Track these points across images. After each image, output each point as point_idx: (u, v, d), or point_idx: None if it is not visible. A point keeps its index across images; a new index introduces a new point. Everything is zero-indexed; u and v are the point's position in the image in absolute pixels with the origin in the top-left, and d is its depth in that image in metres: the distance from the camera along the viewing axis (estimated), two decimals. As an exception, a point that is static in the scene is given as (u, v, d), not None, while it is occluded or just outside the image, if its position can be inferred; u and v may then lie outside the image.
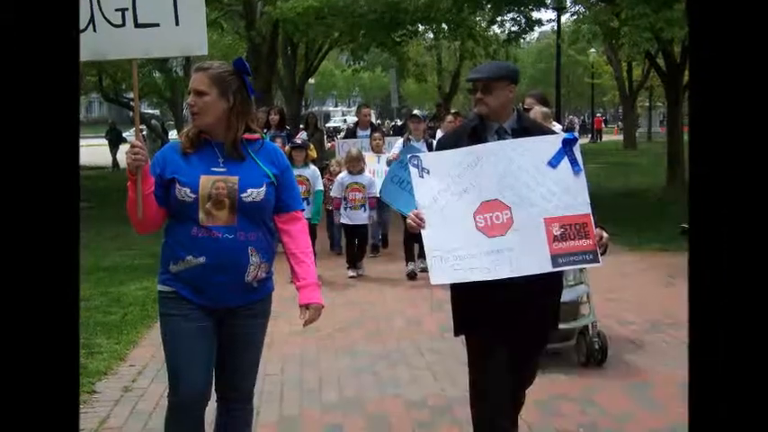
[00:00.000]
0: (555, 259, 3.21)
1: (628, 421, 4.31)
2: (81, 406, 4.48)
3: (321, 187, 8.32)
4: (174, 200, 2.99)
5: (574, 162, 3.28)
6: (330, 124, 49.86)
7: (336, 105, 72.72)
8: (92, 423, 4.36)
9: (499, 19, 19.40)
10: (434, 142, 7.62)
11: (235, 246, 2.96)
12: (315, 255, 3.31)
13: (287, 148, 8.47)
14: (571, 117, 51.55)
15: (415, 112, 12.79)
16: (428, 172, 3.32)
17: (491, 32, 21.30)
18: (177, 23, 3.31)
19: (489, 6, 17.50)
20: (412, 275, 8.32)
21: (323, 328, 6.08)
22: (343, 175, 8.73)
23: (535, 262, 3.20)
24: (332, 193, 8.80)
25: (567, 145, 3.30)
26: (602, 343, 5.21)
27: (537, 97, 5.97)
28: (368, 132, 10.40)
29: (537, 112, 5.32)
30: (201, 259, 2.95)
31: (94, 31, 3.28)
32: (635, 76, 32.57)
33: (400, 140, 9.52)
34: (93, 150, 27.80)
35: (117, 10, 3.29)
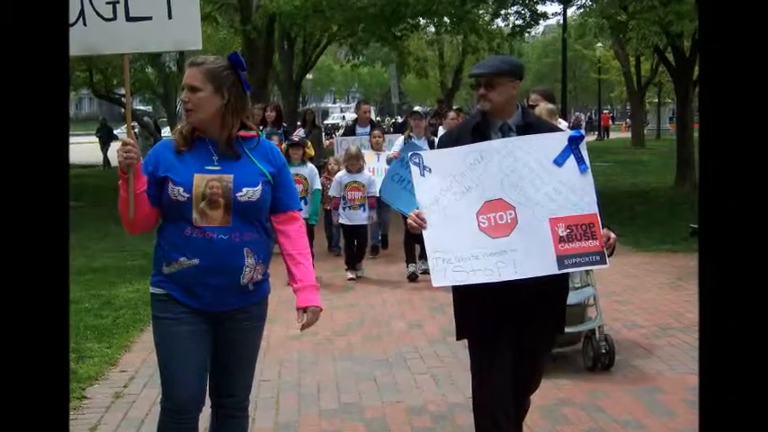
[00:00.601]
0: (561, 261, 3.15)
1: (636, 428, 4.25)
2: (71, 412, 4.43)
3: (319, 186, 8.25)
4: (166, 199, 2.95)
5: (580, 160, 3.24)
6: (328, 121, 50.06)
7: (335, 102, 73.13)
8: (82, 430, 4.31)
9: (503, 12, 19.33)
10: (436, 140, 7.55)
11: (229, 247, 2.91)
12: (313, 256, 3.26)
13: (284, 145, 8.40)
14: (577, 114, 51.62)
15: (417, 108, 12.76)
16: (430, 170, 3.28)
17: (495, 26, 21.22)
18: (170, 17, 3.28)
19: (493, -1, 17.44)
20: (413, 277, 8.25)
21: (321, 332, 6.04)
22: (342, 173, 8.63)
23: (540, 263, 3.15)
24: (330, 193, 8.71)
25: (574, 142, 3.25)
26: (609, 347, 5.14)
27: (542, 93, 5.88)
28: (367, 129, 10.34)
29: (542, 108, 5.25)
30: (195, 261, 2.90)
31: (84, 25, 3.25)
32: (643, 71, 32.34)
33: (401, 138, 9.44)
34: (83, 148, 27.96)
35: (108, 3, 3.28)
